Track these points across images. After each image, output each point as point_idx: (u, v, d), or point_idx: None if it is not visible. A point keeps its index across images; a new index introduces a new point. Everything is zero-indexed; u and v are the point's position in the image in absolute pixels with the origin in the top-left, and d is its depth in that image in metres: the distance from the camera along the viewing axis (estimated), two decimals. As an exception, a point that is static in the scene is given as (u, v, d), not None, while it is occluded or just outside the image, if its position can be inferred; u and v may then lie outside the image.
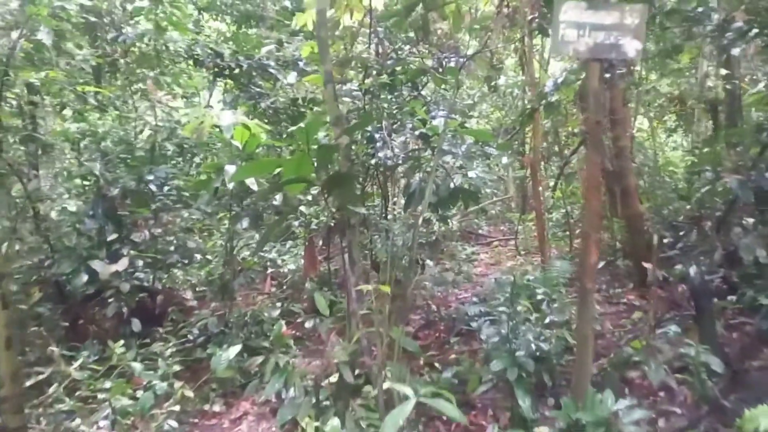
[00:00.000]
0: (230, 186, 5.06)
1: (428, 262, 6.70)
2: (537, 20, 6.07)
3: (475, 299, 6.81)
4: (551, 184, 9.89)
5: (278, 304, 6.33)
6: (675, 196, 9.25)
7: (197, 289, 6.68)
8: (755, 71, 7.91)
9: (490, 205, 13.53)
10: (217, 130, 5.60)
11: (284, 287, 7.35)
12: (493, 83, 7.32)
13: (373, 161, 5.35)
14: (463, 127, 5.96)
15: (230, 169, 4.49)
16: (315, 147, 3.15)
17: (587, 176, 2.91)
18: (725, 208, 4.95)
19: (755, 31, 3.90)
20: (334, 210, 3.78)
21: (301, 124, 4.08)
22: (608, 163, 6.81)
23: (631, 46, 2.71)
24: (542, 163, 9.61)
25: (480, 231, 13.45)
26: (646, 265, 5.60)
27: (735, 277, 5.40)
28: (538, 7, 5.22)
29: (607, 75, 6.05)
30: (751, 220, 5.05)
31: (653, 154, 9.20)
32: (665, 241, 8.02)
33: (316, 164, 3.13)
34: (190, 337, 5.29)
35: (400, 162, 5.36)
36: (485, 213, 13.62)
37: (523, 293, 4.12)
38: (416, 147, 5.37)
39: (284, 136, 6.94)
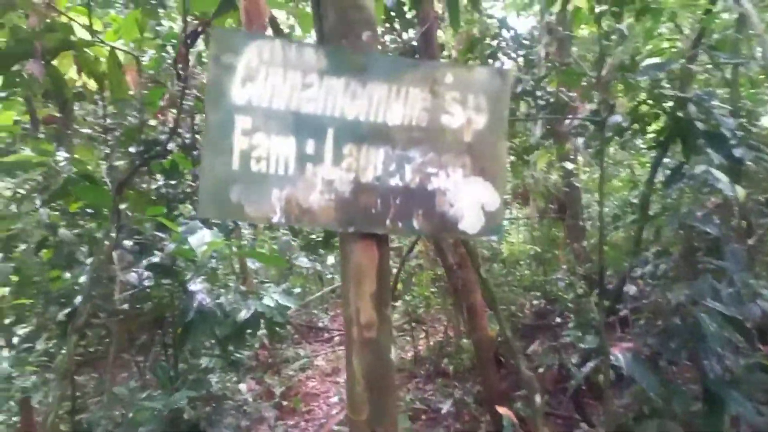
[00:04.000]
0: None
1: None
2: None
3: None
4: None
5: None
6: (521, 290, 8.54)
7: None
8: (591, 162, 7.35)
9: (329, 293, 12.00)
10: None
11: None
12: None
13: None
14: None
15: None
16: None
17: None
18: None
19: (636, 126, 2.66)
20: None
21: None
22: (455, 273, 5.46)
23: (485, 202, 1.01)
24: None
25: (321, 323, 11.78)
26: (500, 410, 4.24)
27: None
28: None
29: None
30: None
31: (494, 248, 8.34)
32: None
33: None
34: None
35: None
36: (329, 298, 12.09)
37: None
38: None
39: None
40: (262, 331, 8.16)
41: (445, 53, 8.81)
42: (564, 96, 4.13)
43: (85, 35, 1.97)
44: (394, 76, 1.07)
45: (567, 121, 3.94)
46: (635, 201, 4.87)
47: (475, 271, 3.83)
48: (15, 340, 4.33)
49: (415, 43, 6.67)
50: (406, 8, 5.64)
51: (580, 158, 7.12)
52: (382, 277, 1.06)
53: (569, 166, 5.32)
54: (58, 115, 2.05)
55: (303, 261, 4.87)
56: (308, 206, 1.05)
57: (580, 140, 5.12)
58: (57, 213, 3.88)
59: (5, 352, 4.31)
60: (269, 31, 1.64)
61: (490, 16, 6.38)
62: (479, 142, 1.08)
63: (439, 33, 7.80)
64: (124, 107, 2.54)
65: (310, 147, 1.04)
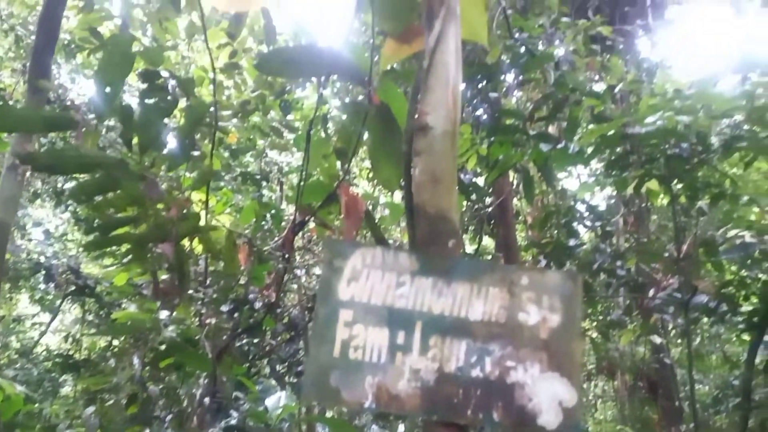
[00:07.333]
0: None
1: None
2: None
3: None
4: None
5: None
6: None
7: None
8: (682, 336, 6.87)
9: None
10: None
11: None
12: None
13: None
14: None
15: None
16: None
17: None
18: None
19: (724, 307, 2.56)
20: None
21: None
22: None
23: (562, 398, 1.07)
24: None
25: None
26: None
27: None
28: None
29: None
30: None
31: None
32: None
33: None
34: None
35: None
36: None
37: None
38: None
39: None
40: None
41: (520, 218, 9.05)
42: (645, 268, 4.08)
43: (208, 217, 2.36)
44: (476, 278, 1.23)
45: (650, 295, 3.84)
46: (737, 382, 4.46)
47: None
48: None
49: (489, 210, 6.95)
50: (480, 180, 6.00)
51: (671, 328, 6.72)
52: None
53: (657, 340, 5.03)
54: (174, 285, 2.37)
55: (374, 429, 4.70)
56: (396, 393, 1.13)
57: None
58: (146, 368, 4.09)
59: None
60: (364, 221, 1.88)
61: (563, 189, 6.63)
62: (554, 340, 1.17)
63: (515, 201, 8.12)
64: (232, 279, 2.85)
65: (400, 338, 1.17)
